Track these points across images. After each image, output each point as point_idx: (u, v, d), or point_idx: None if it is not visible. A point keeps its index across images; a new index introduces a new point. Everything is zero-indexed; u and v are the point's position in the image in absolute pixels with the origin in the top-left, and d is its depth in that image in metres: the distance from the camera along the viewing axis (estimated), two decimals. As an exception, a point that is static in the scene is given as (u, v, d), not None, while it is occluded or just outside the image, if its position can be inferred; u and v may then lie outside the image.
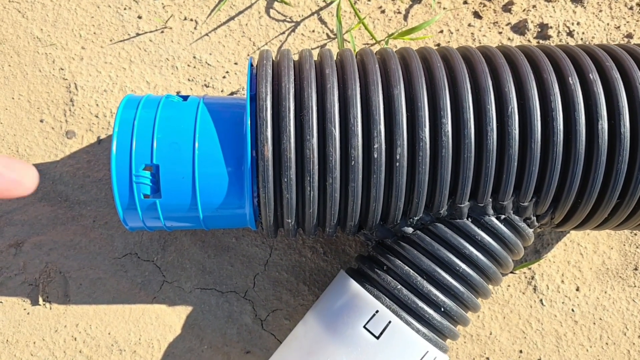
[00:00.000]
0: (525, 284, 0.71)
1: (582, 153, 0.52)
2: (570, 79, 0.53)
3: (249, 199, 0.55)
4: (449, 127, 0.52)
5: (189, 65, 0.74)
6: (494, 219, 0.56)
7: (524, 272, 0.71)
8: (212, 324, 0.71)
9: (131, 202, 0.55)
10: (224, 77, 0.74)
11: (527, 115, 0.52)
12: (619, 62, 0.55)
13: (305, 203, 0.55)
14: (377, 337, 0.56)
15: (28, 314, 0.70)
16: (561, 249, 0.71)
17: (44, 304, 0.70)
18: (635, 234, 0.71)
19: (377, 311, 0.56)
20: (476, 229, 0.56)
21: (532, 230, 0.59)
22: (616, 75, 0.54)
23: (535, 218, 0.58)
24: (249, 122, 0.53)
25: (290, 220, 0.56)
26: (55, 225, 0.71)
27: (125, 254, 0.71)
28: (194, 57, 0.74)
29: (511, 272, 0.71)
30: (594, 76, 0.53)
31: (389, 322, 0.56)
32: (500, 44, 0.72)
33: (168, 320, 0.70)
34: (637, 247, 0.71)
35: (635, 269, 0.71)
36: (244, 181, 0.54)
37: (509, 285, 0.71)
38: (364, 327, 0.56)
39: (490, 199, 0.55)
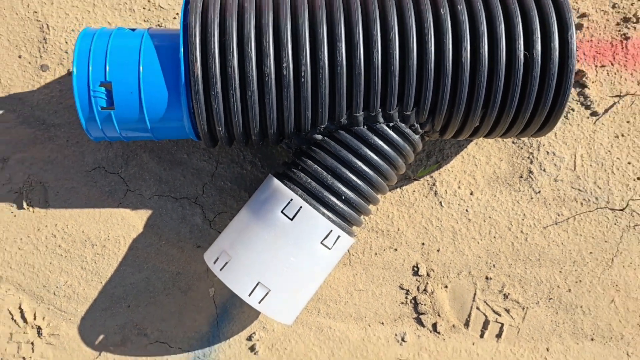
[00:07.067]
0: (427, 190, 0.86)
1: (449, 70, 0.66)
2: (442, 9, 0.66)
3: (186, 110, 0.68)
4: (343, 50, 0.65)
5: (144, 9, 0.86)
6: (384, 126, 0.70)
7: (427, 180, 0.86)
8: (168, 224, 0.85)
9: (91, 114, 0.69)
10: (174, 18, 0.86)
11: (405, 39, 0.65)
12: (485, -4, 0.68)
13: (231, 112, 0.68)
14: (291, 219, 0.70)
15: (15, 216, 0.85)
16: (459, 160, 0.86)
17: (27, 208, 0.85)
18: (521, 148, 0.85)
19: (291, 199, 0.71)
20: (370, 134, 0.70)
21: (418, 136, 0.73)
22: (480, 6, 0.67)
23: (418, 125, 0.71)
24: (182, 46, 0.66)
25: (220, 129, 0.70)
26: (35, 144, 0.85)
27: (95, 168, 0.85)
28: (149, 1, 0.86)
29: (415, 179, 0.85)
30: (462, 7, 0.66)
31: (300, 207, 0.70)
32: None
33: (131, 221, 0.85)
34: (523, 159, 0.85)
35: (521, 177, 0.85)
36: (181, 95, 0.68)
37: (414, 191, 0.86)
38: (282, 212, 0.71)
39: (380, 109, 0.69)
